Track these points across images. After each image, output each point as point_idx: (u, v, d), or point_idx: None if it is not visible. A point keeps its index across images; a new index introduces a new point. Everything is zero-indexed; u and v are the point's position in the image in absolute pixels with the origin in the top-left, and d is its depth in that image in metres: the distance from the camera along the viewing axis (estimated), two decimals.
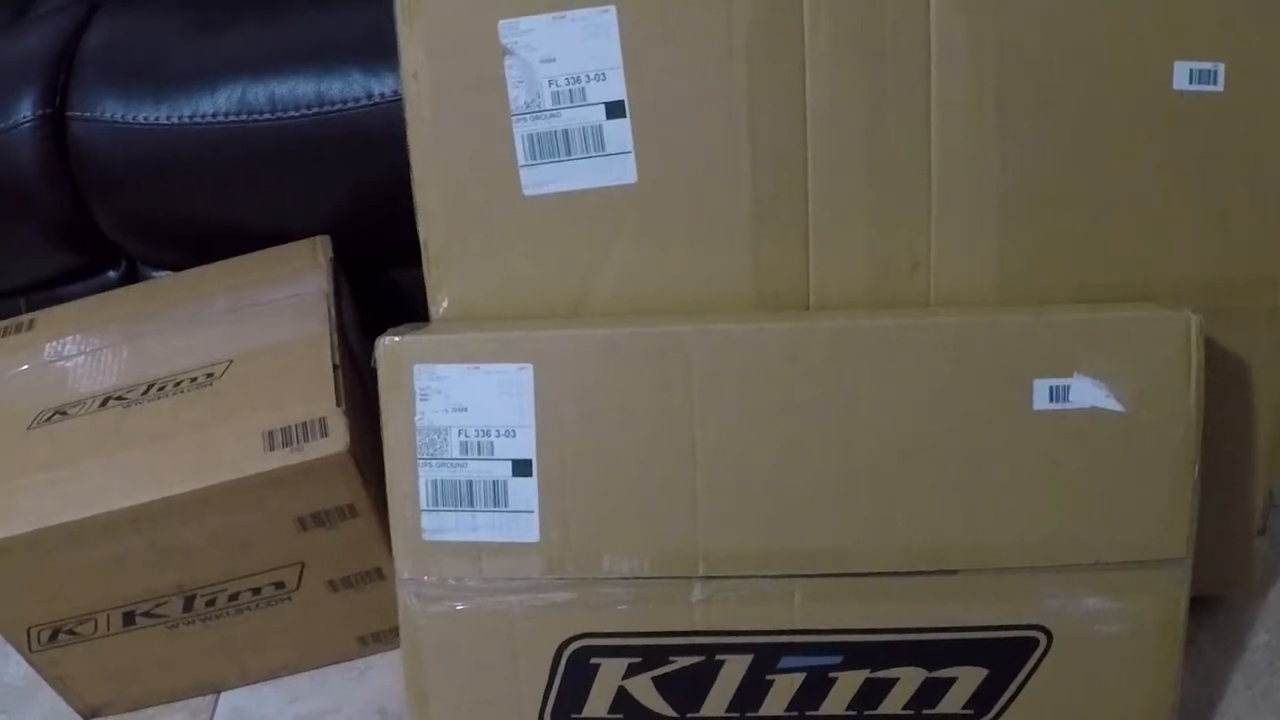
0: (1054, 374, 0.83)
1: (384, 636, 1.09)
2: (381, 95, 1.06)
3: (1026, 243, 0.90)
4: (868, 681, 0.87)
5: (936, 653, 0.87)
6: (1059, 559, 0.85)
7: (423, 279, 0.92)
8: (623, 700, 0.88)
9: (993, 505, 0.85)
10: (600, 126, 0.88)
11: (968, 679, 0.87)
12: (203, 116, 1.07)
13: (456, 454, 0.85)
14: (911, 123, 0.89)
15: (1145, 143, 0.90)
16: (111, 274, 1.23)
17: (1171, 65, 0.90)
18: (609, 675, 0.88)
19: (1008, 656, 0.87)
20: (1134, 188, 0.91)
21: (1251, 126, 0.91)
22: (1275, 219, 0.93)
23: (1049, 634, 0.86)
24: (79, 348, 1.09)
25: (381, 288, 1.18)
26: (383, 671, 1.10)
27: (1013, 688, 0.87)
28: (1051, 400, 0.83)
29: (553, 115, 0.88)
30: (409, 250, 0.93)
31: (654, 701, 0.88)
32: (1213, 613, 1.05)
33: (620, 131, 0.88)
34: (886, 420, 0.84)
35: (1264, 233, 0.93)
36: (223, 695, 1.11)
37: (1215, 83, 0.90)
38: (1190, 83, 0.90)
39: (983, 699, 0.87)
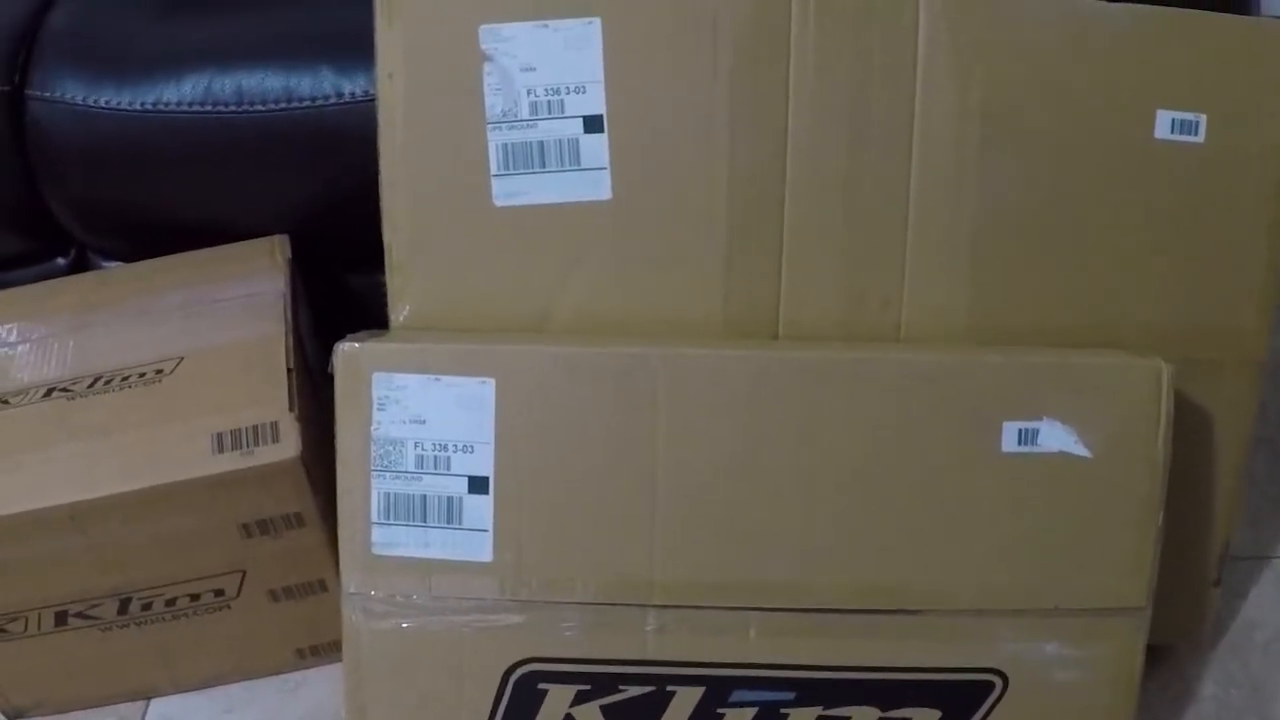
0: (1023, 417, 0.83)
1: (323, 650, 1.07)
2: (352, 94, 1.04)
3: (999, 283, 0.90)
4: (820, 719, 0.86)
5: (891, 692, 0.85)
6: (1019, 603, 0.84)
7: (381, 284, 0.90)
8: None
9: (955, 546, 0.84)
10: (577, 140, 0.87)
11: None
12: (166, 104, 1.05)
13: (412, 467, 0.83)
14: (892, 158, 0.88)
15: (1124, 189, 0.90)
16: (60, 261, 1.21)
17: (1154, 113, 0.90)
18: (556, 702, 0.86)
19: (963, 699, 0.86)
20: (1109, 233, 0.91)
21: (1229, 179, 0.91)
22: (1246, 272, 0.93)
23: (1005, 678, 0.85)
24: (23, 335, 1.06)
25: (338, 291, 1.17)
26: (318, 686, 1.08)
27: None
28: (1020, 443, 0.83)
29: (529, 126, 0.87)
30: (369, 254, 0.91)
31: None
32: (1161, 662, 1.05)
33: (597, 147, 0.87)
34: (852, 455, 0.83)
35: (1234, 285, 0.93)
36: (153, 702, 1.08)
37: (1196, 133, 0.90)
38: (1172, 132, 0.90)
39: None
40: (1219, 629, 1.09)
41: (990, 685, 0.85)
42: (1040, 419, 0.83)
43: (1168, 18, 0.90)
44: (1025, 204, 0.89)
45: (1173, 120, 0.90)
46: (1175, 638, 1.05)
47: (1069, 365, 0.84)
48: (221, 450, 0.93)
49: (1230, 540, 1.00)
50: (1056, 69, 0.89)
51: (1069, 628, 0.85)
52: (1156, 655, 1.04)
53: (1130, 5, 0.90)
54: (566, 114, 0.87)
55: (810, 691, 0.85)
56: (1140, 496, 0.84)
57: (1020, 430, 0.83)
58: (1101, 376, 0.84)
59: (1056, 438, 0.83)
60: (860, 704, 0.85)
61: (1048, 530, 0.84)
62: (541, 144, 0.87)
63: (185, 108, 1.05)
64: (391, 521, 0.84)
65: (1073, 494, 0.84)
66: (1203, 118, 0.90)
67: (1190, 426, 0.93)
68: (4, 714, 1.07)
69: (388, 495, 0.84)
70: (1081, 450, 0.83)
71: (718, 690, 0.85)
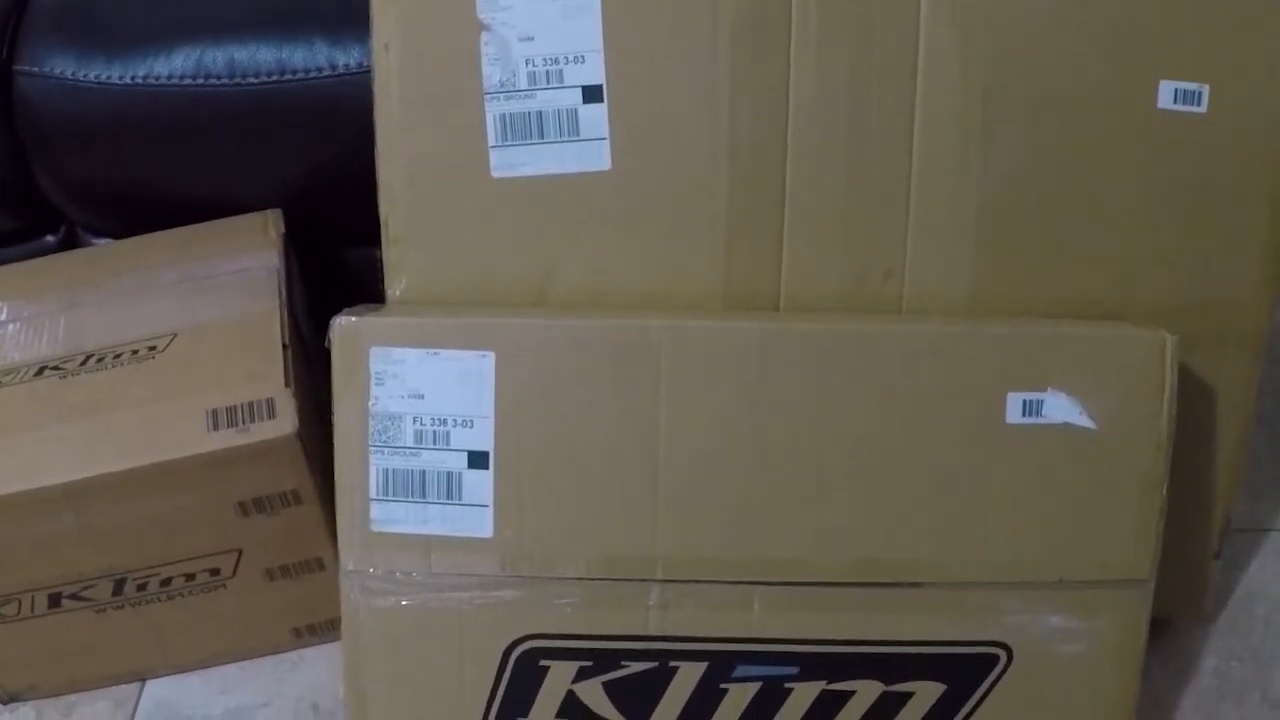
0: (1028, 388, 0.82)
1: (319, 629, 1.07)
2: (346, 66, 1.03)
3: (1001, 255, 0.89)
4: (824, 693, 0.85)
5: (895, 666, 0.85)
6: (1022, 575, 0.84)
7: (377, 259, 0.90)
8: (571, 705, 0.86)
9: (959, 518, 0.83)
10: (576, 110, 0.86)
11: (925, 694, 0.86)
12: (157, 78, 1.04)
13: (410, 443, 0.83)
14: (894, 129, 0.87)
15: (1126, 160, 0.90)
16: (50, 238, 1.20)
17: (1157, 84, 0.89)
18: (558, 678, 0.85)
19: (967, 672, 0.86)
20: (1112, 204, 0.90)
21: (1231, 150, 0.91)
22: (1249, 244, 0.93)
23: (1009, 651, 0.85)
24: (13, 314, 1.05)
25: (332, 266, 1.16)
26: (316, 664, 1.08)
27: (970, 704, 0.86)
28: (1024, 414, 0.82)
29: (527, 96, 0.86)
30: (363, 228, 0.90)
31: (603, 707, 0.86)
32: (1162, 636, 1.05)
33: (596, 117, 0.86)
34: (856, 428, 0.82)
35: (1237, 257, 0.93)
36: (148, 684, 1.08)
37: (1199, 104, 0.90)
38: (1175, 102, 0.90)
39: (940, 714, 0.86)
40: (1220, 602, 1.09)
41: (994, 658, 0.85)
42: (1044, 390, 0.82)
43: None
44: (1028, 176, 0.89)
45: (1175, 90, 0.89)
46: (1176, 611, 1.05)
47: (1073, 337, 0.84)
48: (217, 428, 0.92)
49: (1231, 513, 1.00)
50: (1058, 40, 0.88)
51: (1073, 600, 0.85)
52: (1158, 628, 1.03)
53: None
54: (565, 84, 0.86)
55: (814, 666, 0.85)
56: (1144, 468, 0.84)
57: (1024, 401, 0.82)
58: (1106, 348, 0.84)
59: (1061, 409, 0.83)
60: (864, 678, 0.85)
61: (1051, 502, 0.84)
62: (540, 114, 0.86)
63: (176, 81, 1.04)
64: (390, 498, 0.83)
65: (1077, 466, 0.83)
66: (1205, 88, 0.90)
67: (1193, 399, 0.93)
68: None
69: (386, 471, 0.83)
70: (1086, 422, 0.83)
71: (721, 666, 0.85)
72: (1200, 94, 0.90)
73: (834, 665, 0.85)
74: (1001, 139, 0.88)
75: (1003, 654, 0.85)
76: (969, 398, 0.82)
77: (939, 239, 0.89)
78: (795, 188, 0.87)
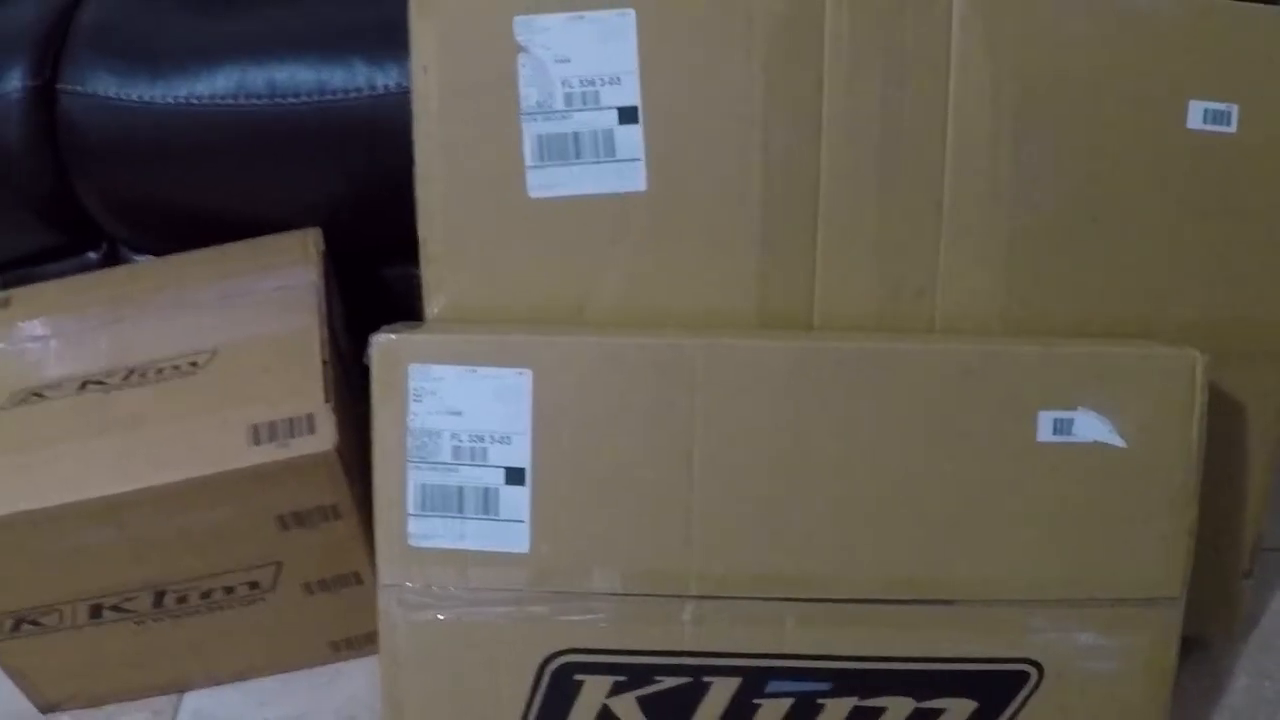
0: (1059, 406, 0.83)
1: (357, 643, 1.07)
2: (385, 87, 1.04)
3: (1033, 274, 0.90)
4: (856, 709, 0.86)
5: (926, 683, 0.85)
6: (1054, 593, 0.85)
7: (413, 277, 0.91)
8: (605, 719, 0.86)
9: (990, 536, 0.84)
10: (612, 131, 0.87)
11: (957, 710, 0.86)
12: (199, 98, 1.06)
13: (448, 458, 0.83)
14: (926, 149, 0.88)
15: (1157, 179, 0.90)
16: (92, 255, 1.21)
17: (1186, 104, 0.90)
18: (592, 693, 0.86)
19: (998, 689, 0.86)
20: (1143, 223, 0.91)
21: (1260, 169, 0.92)
22: (1277, 262, 0.93)
23: (1040, 668, 0.85)
24: (56, 329, 1.07)
25: (370, 284, 1.17)
26: (353, 678, 1.08)
27: None
28: (1055, 433, 0.83)
29: (564, 117, 0.87)
30: (401, 247, 0.91)
31: None
32: (1194, 654, 1.05)
33: (632, 137, 0.87)
34: (888, 445, 0.83)
35: (1267, 276, 0.93)
36: (186, 696, 1.09)
37: (1228, 124, 0.91)
38: (1204, 122, 0.90)
39: None
40: (1250, 621, 1.09)
41: (1025, 675, 0.85)
42: (1075, 409, 0.83)
43: (1199, 7, 0.90)
44: (1058, 195, 0.89)
45: (1205, 110, 0.90)
46: (1207, 629, 1.04)
47: (1104, 355, 0.84)
48: (258, 442, 0.93)
49: (1262, 532, 1.00)
50: (1089, 59, 0.89)
51: (1104, 618, 0.85)
52: (1188, 647, 1.03)
53: None
54: (601, 105, 0.87)
55: (846, 682, 0.85)
56: (1174, 487, 0.84)
57: (1055, 420, 0.83)
58: (1136, 367, 0.84)
59: (1091, 428, 0.83)
60: (896, 694, 0.85)
61: (1082, 520, 0.84)
62: (576, 135, 0.87)
63: (217, 101, 1.06)
64: (428, 513, 0.84)
65: (1107, 484, 0.84)
66: (1234, 108, 0.90)
67: (1223, 417, 0.93)
68: (38, 707, 1.07)
69: (424, 486, 0.84)
70: (1116, 440, 0.83)
71: (754, 681, 0.85)
72: (1229, 114, 0.90)
73: (866, 681, 0.85)
74: (1032, 159, 0.89)
75: (1034, 671, 0.85)
76: (1000, 416, 0.83)
77: (971, 258, 0.89)
78: (828, 207, 0.88)
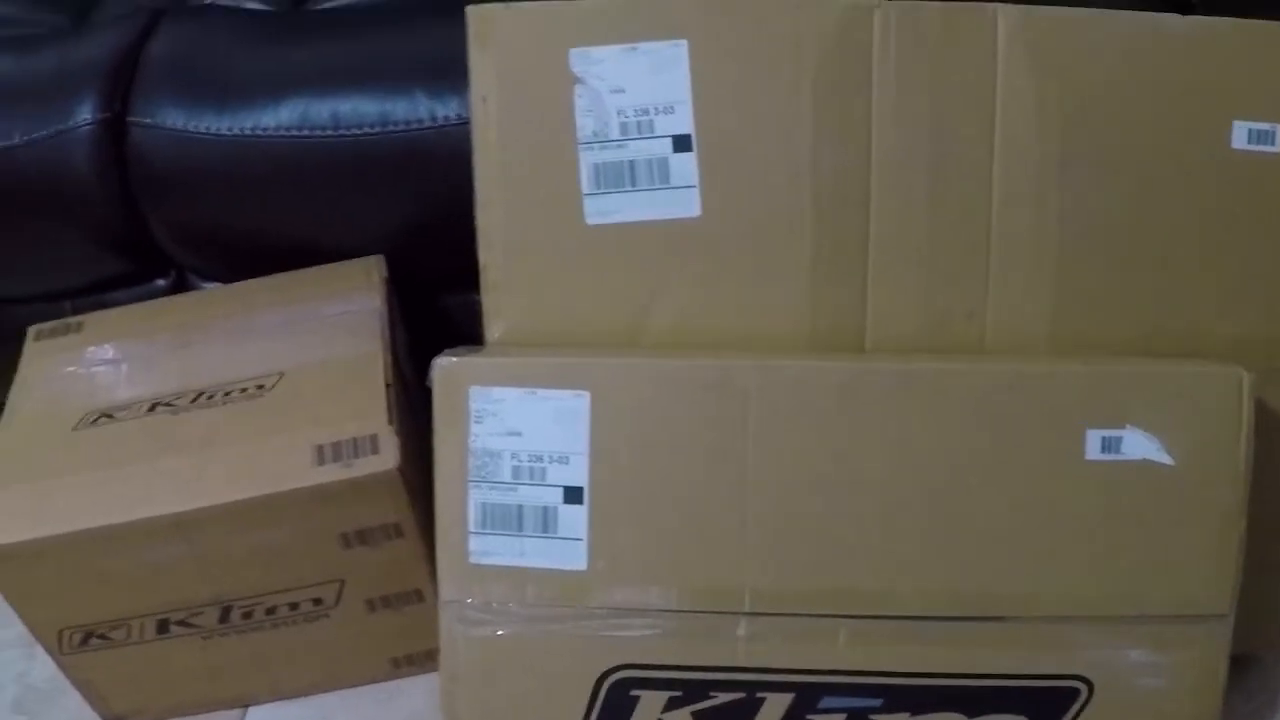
0: (1107, 425, 0.84)
1: (417, 659, 1.09)
2: (445, 118, 1.06)
3: (1081, 295, 0.91)
4: None
5: (977, 699, 0.86)
6: (1104, 610, 0.85)
7: (473, 304, 0.93)
8: None
9: (1041, 553, 0.85)
10: (666, 159, 0.89)
11: None
12: (264, 129, 1.07)
13: (508, 478, 0.85)
14: (974, 173, 0.89)
15: (1202, 200, 0.91)
16: (160, 282, 1.23)
17: (1231, 124, 0.90)
18: (648, 707, 0.87)
19: (1048, 705, 0.87)
20: (1189, 243, 0.91)
21: None
22: None
23: (1090, 685, 0.86)
24: (127, 353, 1.09)
25: (431, 311, 1.18)
26: (413, 696, 1.10)
27: None
28: (1104, 451, 0.84)
29: (620, 146, 0.89)
30: (462, 274, 0.93)
31: None
32: (1245, 671, 1.05)
33: (686, 165, 0.89)
34: (939, 464, 0.84)
35: None
36: (250, 710, 1.10)
37: (1273, 143, 0.91)
38: (1249, 142, 0.91)
39: None
40: None
41: (1075, 692, 0.86)
42: (1123, 427, 0.84)
43: (1243, 28, 0.91)
44: (1106, 216, 0.90)
45: (1249, 130, 0.90)
46: (1258, 647, 1.05)
47: (1151, 374, 0.85)
48: (322, 462, 0.94)
49: None
50: (1132, 83, 0.90)
51: (1153, 635, 0.86)
52: (1239, 665, 1.03)
53: (1201, 17, 0.91)
54: (656, 134, 0.89)
55: (898, 698, 0.86)
56: (1223, 504, 0.85)
57: (1104, 438, 0.84)
58: (1183, 385, 0.85)
59: (1139, 446, 0.84)
60: (947, 710, 0.87)
61: (1131, 537, 0.85)
62: (632, 163, 0.89)
63: (282, 133, 1.07)
64: (488, 531, 0.86)
65: (1156, 501, 0.84)
66: (1278, 128, 0.91)
67: (1270, 434, 0.92)
68: (104, 719, 1.10)
69: (484, 505, 0.85)
70: (1164, 458, 0.84)
71: (807, 696, 0.86)
72: (1274, 134, 0.91)
73: (918, 697, 0.86)
74: (1079, 180, 0.90)
75: (1084, 687, 0.86)
76: (1049, 435, 0.84)
77: (1019, 279, 0.90)
78: (878, 231, 0.90)
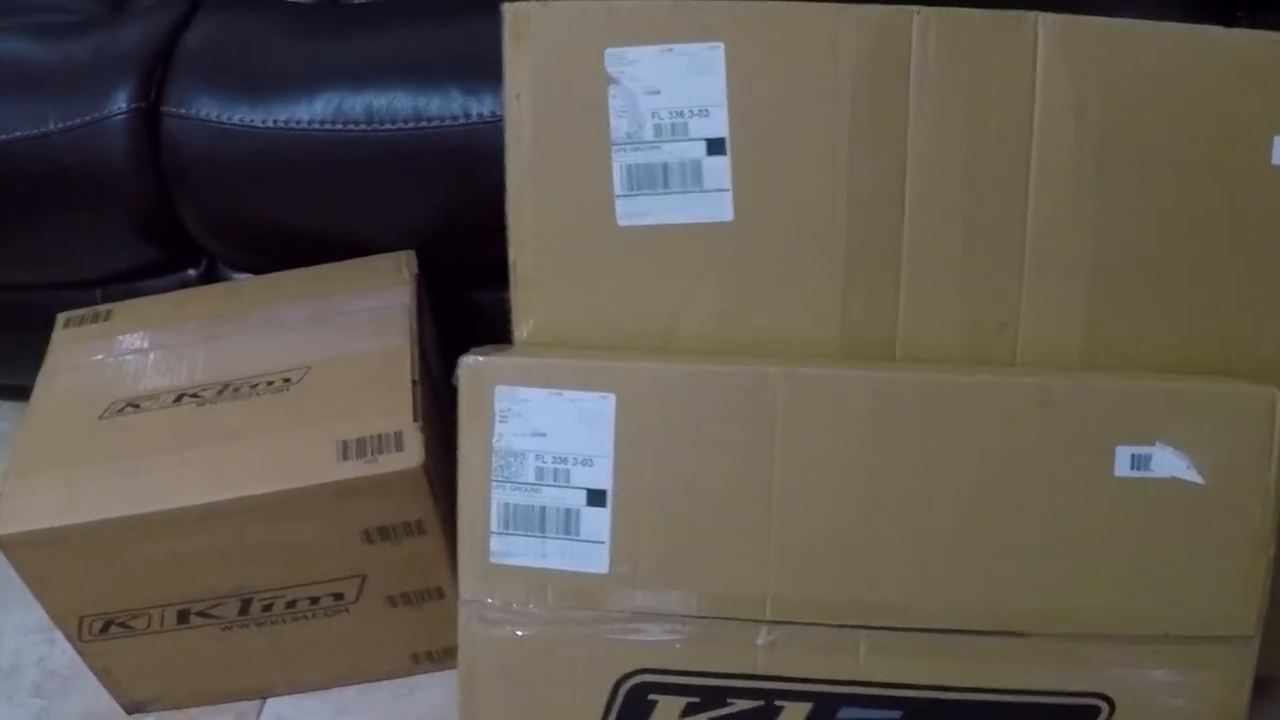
0: (1137, 441, 0.83)
1: (437, 656, 1.09)
2: (479, 115, 1.06)
3: (1115, 309, 0.90)
4: None
5: (998, 714, 0.86)
6: (1128, 628, 0.84)
7: (503, 301, 0.92)
8: None
9: (1066, 570, 0.84)
10: (700, 162, 0.88)
11: None
12: (298, 122, 1.08)
13: (532, 479, 0.85)
14: (1010, 182, 0.88)
15: (1240, 216, 0.90)
16: (191, 272, 1.24)
17: (1271, 140, 0.89)
18: (666, 713, 0.87)
19: None
20: (1225, 259, 0.90)
21: None
22: None
23: (1111, 703, 0.85)
24: (155, 342, 1.09)
25: (460, 307, 1.19)
26: (432, 691, 1.10)
27: None
28: (1133, 468, 0.83)
29: (653, 147, 0.88)
30: (491, 271, 0.93)
31: None
32: (1268, 695, 1.04)
33: (719, 168, 0.88)
34: (966, 476, 0.83)
35: None
36: (269, 702, 1.11)
37: None
38: None
39: None
40: None
41: (1097, 710, 0.85)
42: (1153, 444, 0.83)
43: None
44: (1142, 230, 0.89)
45: None
46: None
47: (1183, 391, 0.84)
48: (346, 458, 0.95)
49: None
50: (1173, 95, 0.89)
51: (1177, 654, 0.85)
52: (1263, 687, 1.03)
53: (1245, 30, 0.90)
54: (690, 136, 0.88)
55: (918, 711, 0.85)
56: (1252, 524, 0.83)
57: (1133, 455, 0.83)
58: (1215, 403, 0.84)
59: (1169, 464, 0.83)
60: None
61: (1158, 556, 0.84)
62: (665, 165, 0.88)
63: (316, 126, 1.08)
64: (510, 531, 0.85)
65: (1184, 520, 0.83)
66: None
67: None
68: (123, 707, 1.10)
69: (507, 505, 0.85)
70: (1194, 477, 0.83)
71: (825, 707, 0.86)
72: None
73: (938, 711, 0.85)
74: (1115, 193, 0.89)
75: (1105, 706, 0.85)
76: (1078, 450, 0.83)
77: (1053, 292, 0.89)
78: (912, 239, 0.89)
